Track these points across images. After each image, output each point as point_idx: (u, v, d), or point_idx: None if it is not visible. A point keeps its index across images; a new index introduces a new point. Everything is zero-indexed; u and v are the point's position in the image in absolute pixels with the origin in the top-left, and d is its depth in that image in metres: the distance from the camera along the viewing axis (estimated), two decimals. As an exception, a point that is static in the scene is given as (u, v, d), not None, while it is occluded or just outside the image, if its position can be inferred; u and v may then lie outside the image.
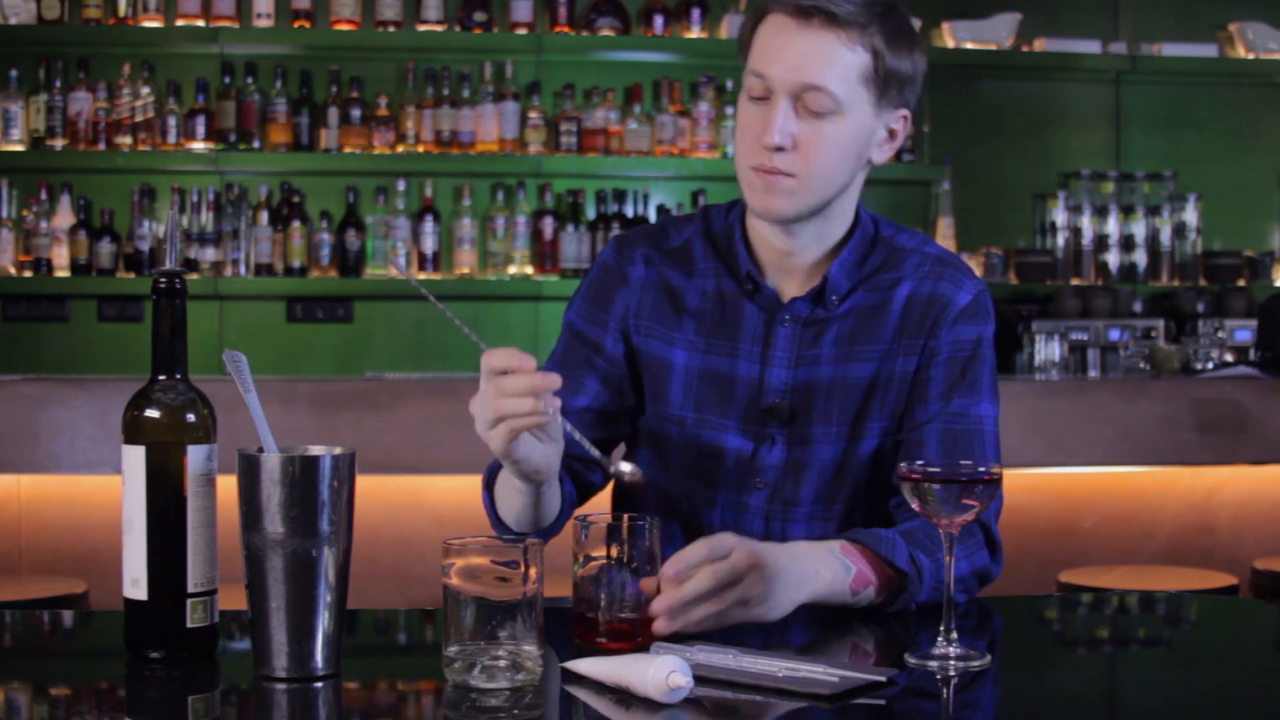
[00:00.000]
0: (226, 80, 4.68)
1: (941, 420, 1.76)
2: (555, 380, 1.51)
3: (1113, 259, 5.06)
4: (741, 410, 1.80)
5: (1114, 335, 4.67)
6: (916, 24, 4.93)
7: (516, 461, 1.58)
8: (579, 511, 1.80)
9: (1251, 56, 5.15)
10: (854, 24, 1.69)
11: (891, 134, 1.79)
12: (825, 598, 1.61)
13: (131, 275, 4.59)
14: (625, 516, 1.50)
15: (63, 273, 4.58)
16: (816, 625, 1.60)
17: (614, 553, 1.47)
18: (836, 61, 1.69)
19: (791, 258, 1.81)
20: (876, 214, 1.88)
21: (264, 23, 4.63)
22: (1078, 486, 3.60)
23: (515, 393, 1.50)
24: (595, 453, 1.61)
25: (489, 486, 1.80)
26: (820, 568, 1.60)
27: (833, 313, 1.80)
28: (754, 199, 1.75)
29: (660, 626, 1.45)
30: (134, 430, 1.40)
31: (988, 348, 1.82)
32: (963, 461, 1.69)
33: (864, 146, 1.76)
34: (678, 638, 1.43)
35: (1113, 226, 5.06)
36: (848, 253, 1.80)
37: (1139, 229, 5.07)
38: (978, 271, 4.97)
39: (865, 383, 1.79)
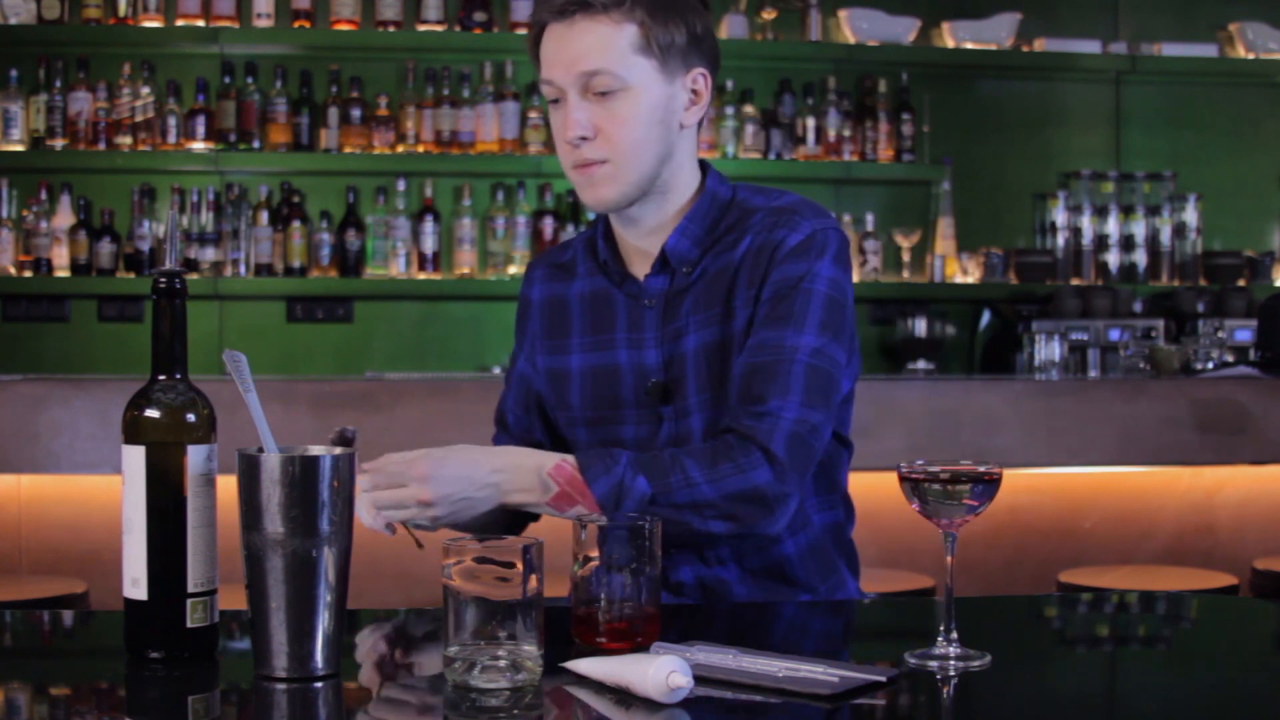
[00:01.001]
0: (226, 80, 4.68)
1: (746, 355, 1.75)
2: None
3: (1113, 259, 5.06)
4: (633, 399, 1.85)
5: (1114, 335, 4.67)
6: (916, 24, 4.95)
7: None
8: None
9: (1251, 56, 5.15)
10: (611, 6, 1.75)
11: (695, 95, 1.83)
12: (518, 507, 1.74)
13: (131, 275, 4.60)
14: (625, 516, 1.50)
15: (63, 273, 4.58)
16: (816, 625, 1.60)
17: (613, 552, 1.47)
18: (606, 43, 1.75)
19: (644, 240, 1.86)
20: (742, 184, 1.89)
21: (264, 23, 4.63)
22: (1078, 486, 3.60)
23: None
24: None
25: None
26: (506, 485, 1.71)
27: (689, 283, 1.83)
28: (584, 196, 1.82)
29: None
30: (134, 430, 1.40)
31: (817, 282, 1.76)
32: (757, 393, 1.70)
33: (667, 113, 1.80)
34: (678, 638, 1.43)
35: (1113, 226, 5.06)
36: (687, 221, 1.84)
37: (1139, 229, 5.07)
38: (977, 272, 4.98)
39: (719, 345, 1.80)
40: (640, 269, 1.87)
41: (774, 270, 1.77)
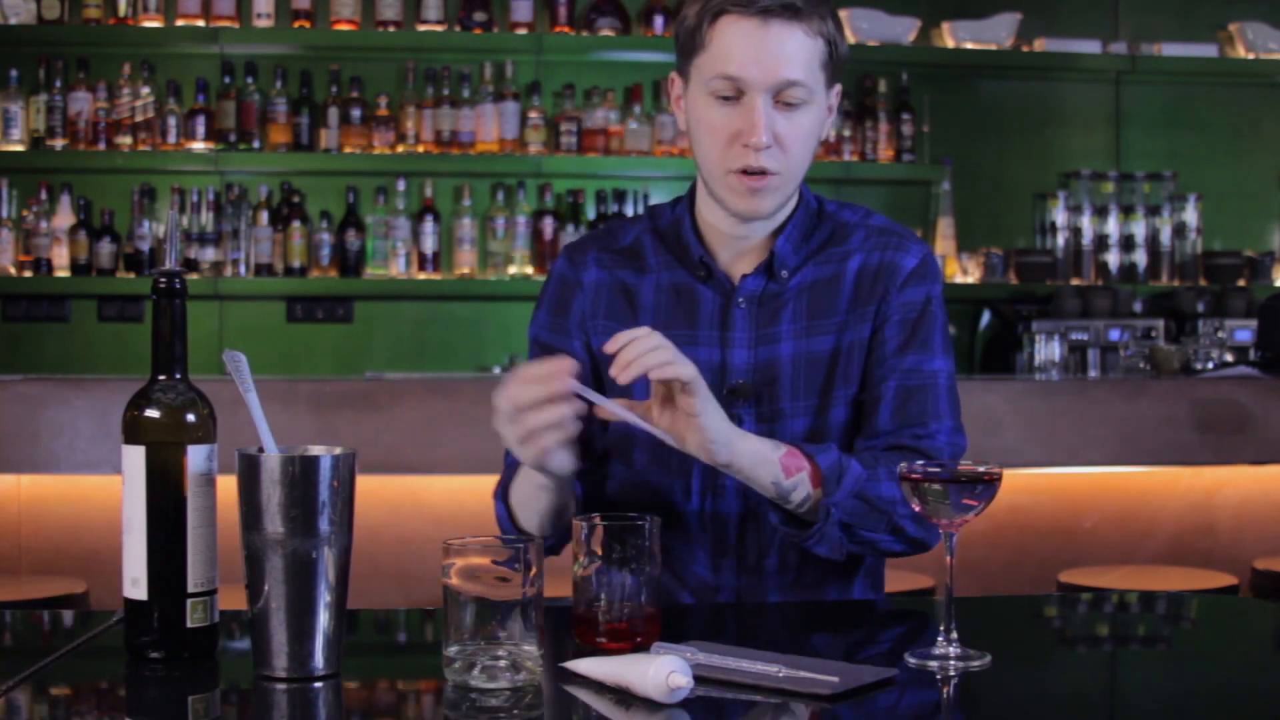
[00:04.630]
0: (226, 80, 4.68)
1: (895, 377, 1.80)
2: (564, 373, 1.55)
3: (1113, 259, 5.06)
4: None
5: (1114, 335, 4.67)
6: (916, 24, 4.95)
7: (546, 471, 1.63)
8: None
9: (1251, 56, 5.15)
10: (811, 13, 1.73)
11: (830, 110, 1.82)
12: (756, 469, 1.65)
13: (131, 275, 4.60)
14: (625, 516, 1.50)
15: (63, 273, 4.58)
16: (816, 625, 1.60)
17: (614, 552, 1.47)
18: (803, 53, 1.73)
19: (745, 241, 1.84)
20: (817, 192, 1.91)
21: (264, 23, 4.63)
22: (1078, 486, 3.60)
23: (535, 406, 1.56)
24: (630, 417, 1.61)
25: (504, 499, 1.83)
26: (749, 437, 1.66)
27: (785, 288, 1.83)
28: (738, 202, 1.78)
29: (618, 374, 1.54)
30: (134, 430, 1.40)
31: (937, 305, 1.85)
32: (916, 415, 1.77)
33: (822, 128, 1.80)
34: (678, 638, 1.43)
35: (1113, 226, 5.06)
36: (792, 227, 1.83)
37: (1139, 229, 5.07)
38: (977, 272, 4.98)
39: (828, 355, 1.82)
40: (732, 267, 1.85)
41: (896, 294, 1.82)
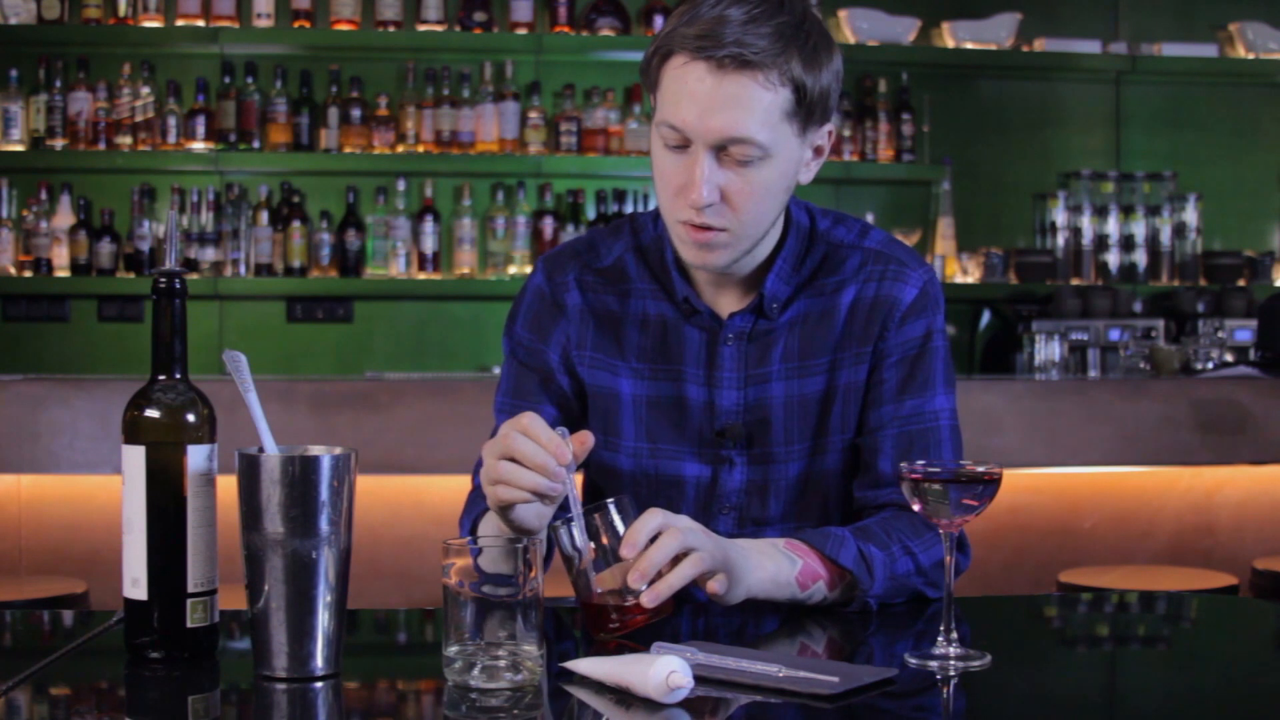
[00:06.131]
0: (226, 80, 4.68)
1: (895, 425, 1.73)
2: (566, 457, 1.48)
3: (1113, 259, 5.06)
4: (696, 435, 1.76)
5: (1114, 335, 4.67)
6: (916, 24, 4.94)
7: (509, 519, 1.55)
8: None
9: (1251, 56, 5.15)
10: (770, 63, 1.57)
11: (818, 151, 1.70)
12: (771, 593, 1.58)
13: (131, 275, 4.60)
14: (598, 504, 1.52)
15: (63, 273, 4.59)
16: (816, 625, 1.60)
17: (604, 540, 1.49)
18: (757, 108, 1.58)
19: (726, 277, 1.75)
20: (808, 203, 1.81)
21: (264, 23, 4.64)
22: (1078, 486, 3.60)
23: (528, 463, 1.48)
24: (580, 524, 1.51)
25: (470, 531, 1.75)
26: (764, 561, 1.58)
27: (775, 323, 1.75)
28: (686, 252, 1.68)
29: (647, 600, 1.44)
30: (134, 430, 1.40)
31: (938, 339, 1.76)
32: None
33: (793, 178, 1.68)
34: (678, 637, 1.43)
35: (1113, 226, 5.06)
36: (782, 261, 1.74)
37: (1139, 229, 5.08)
38: (977, 272, 4.98)
39: (819, 397, 1.75)
40: (718, 301, 1.76)
41: (894, 331, 1.74)
